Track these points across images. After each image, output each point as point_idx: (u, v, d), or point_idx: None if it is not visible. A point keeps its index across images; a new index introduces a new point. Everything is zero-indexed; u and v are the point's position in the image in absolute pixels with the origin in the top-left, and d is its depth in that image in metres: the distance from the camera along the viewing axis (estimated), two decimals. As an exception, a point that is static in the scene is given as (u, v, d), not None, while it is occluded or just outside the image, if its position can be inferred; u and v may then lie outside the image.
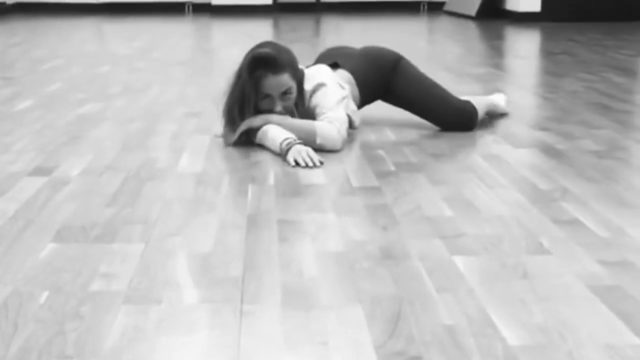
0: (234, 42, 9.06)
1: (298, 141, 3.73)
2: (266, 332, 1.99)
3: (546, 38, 9.40)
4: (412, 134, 4.22)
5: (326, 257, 2.49)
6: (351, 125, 4.15)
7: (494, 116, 4.66)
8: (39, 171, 3.52)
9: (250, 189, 3.26)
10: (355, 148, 3.93)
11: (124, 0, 13.65)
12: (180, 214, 2.94)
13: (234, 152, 3.85)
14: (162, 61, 7.38)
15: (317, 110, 3.95)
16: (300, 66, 4.09)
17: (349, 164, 3.63)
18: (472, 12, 12.38)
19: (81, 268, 2.42)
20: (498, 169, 3.54)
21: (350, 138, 4.12)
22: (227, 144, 3.97)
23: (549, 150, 3.86)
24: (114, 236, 2.70)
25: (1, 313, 2.11)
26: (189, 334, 1.98)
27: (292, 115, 3.99)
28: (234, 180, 3.38)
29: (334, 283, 2.30)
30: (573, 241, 2.63)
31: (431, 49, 8.31)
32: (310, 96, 3.99)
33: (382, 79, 4.33)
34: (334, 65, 4.29)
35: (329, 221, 2.85)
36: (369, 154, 3.81)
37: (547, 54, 7.87)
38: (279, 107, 3.90)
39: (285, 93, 3.89)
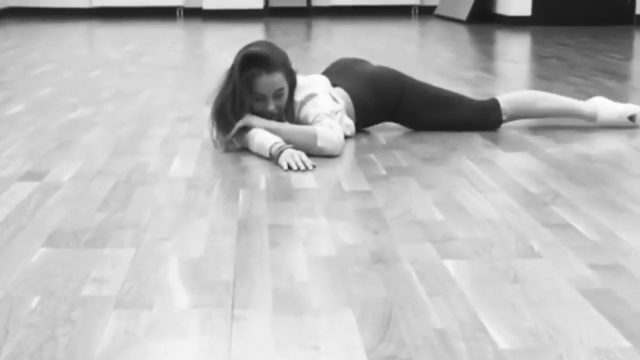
0: (226, 46, 9.07)
1: (288, 145, 3.72)
2: (257, 337, 1.99)
3: (536, 42, 9.42)
4: (403, 139, 4.23)
5: (317, 262, 2.50)
6: (345, 137, 4.13)
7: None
8: (30, 176, 3.51)
9: (242, 193, 3.26)
10: (347, 152, 3.93)
11: (115, 5, 13.64)
12: (171, 218, 2.94)
13: (225, 156, 3.85)
14: (153, 65, 7.38)
15: (310, 120, 3.92)
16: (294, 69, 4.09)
17: (340, 169, 3.63)
18: (463, 16, 12.40)
19: (72, 273, 2.42)
20: (489, 172, 3.54)
21: (341, 142, 4.12)
22: (222, 148, 3.93)
23: (539, 154, 3.86)
24: (105, 241, 2.69)
25: (-8, 318, 2.11)
26: (180, 339, 1.98)
27: (280, 119, 3.96)
28: (225, 185, 3.38)
29: (325, 287, 2.30)
30: (564, 245, 2.64)
31: (422, 53, 8.32)
32: (300, 108, 3.96)
33: (386, 110, 4.30)
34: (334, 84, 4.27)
35: (320, 225, 2.85)
36: (360, 159, 3.81)
37: (538, 57, 7.88)
38: (271, 106, 3.88)
39: (277, 94, 3.88)
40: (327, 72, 4.41)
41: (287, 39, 9.92)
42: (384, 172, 3.56)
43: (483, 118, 4.34)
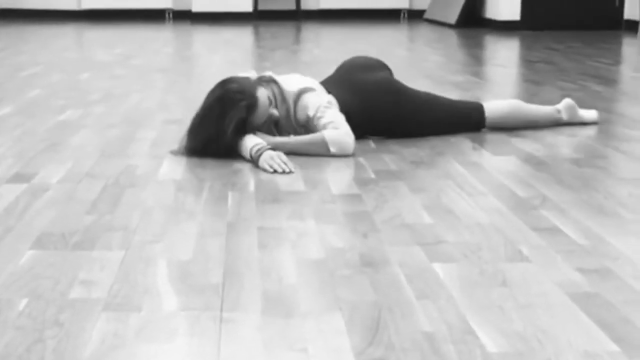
0: (215, 49, 9.06)
1: (268, 146, 3.72)
2: (246, 339, 1.99)
3: (525, 46, 9.44)
4: (392, 142, 4.23)
5: (306, 264, 2.50)
6: None
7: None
8: (18, 178, 3.51)
9: (231, 196, 3.26)
10: (335, 157, 3.93)
11: (104, 8, 13.62)
12: (160, 221, 2.93)
13: (213, 159, 3.85)
14: (142, 68, 7.37)
15: (310, 113, 3.92)
16: (270, 74, 4.09)
17: (329, 172, 3.63)
18: (452, 20, 12.41)
19: (61, 275, 2.41)
20: (477, 176, 3.55)
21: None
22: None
23: (528, 158, 3.87)
24: (93, 243, 2.69)
25: (-20, 320, 2.10)
26: (169, 342, 1.98)
27: (279, 120, 3.99)
28: (214, 188, 3.37)
29: (314, 290, 2.30)
30: (552, 249, 2.64)
31: (411, 57, 8.33)
32: (297, 99, 3.96)
33: (374, 127, 4.26)
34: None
35: (309, 228, 2.85)
36: (350, 162, 3.81)
37: (526, 62, 7.90)
38: (275, 111, 3.93)
39: (270, 104, 3.90)
40: (329, 78, 4.35)
41: (276, 42, 9.92)
42: (373, 176, 3.57)
43: (466, 116, 4.36)
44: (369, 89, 4.21)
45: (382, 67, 4.38)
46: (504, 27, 11.72)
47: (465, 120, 4.38)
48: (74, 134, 4.41)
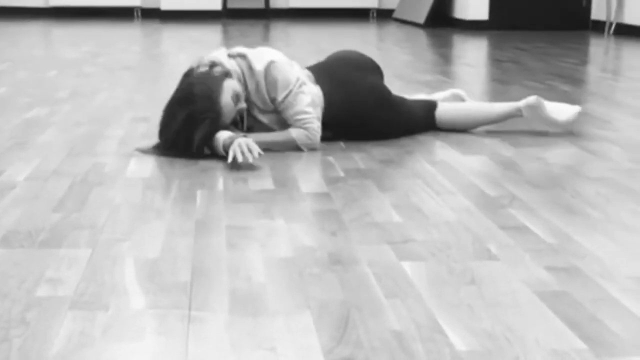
0: (183, 47, 9.03)
1: (239, 135, 3.72)
2: (214, 339, 1.98)
3: (493, 46, 9.47)
4: (361, 141, 4.23)
5: (275, 263, 2.49)
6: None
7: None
8: (-16, 176, 3.48)
9: (199, 194, 3.25)
10: (305, 154, 3.93)
11: (72, 5, 13.54)
12: (127, 219, 2.92)
13: (182, 157, 3.83)
14: (110, 66, 7.34)
15: (278, 97, 3.92)
16: (240, 49, 4.05)
17: (298, 170, 3.63)
18: (421, 20, 12.44)
19: (27, 273, 2.39)
20: (446, 175, 3.56)
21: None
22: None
23: (496, 157, 3.88)
24: (60, 241, 2.67)
25: (-55, 319, 2.08)
26: (136, 340, 1.97)
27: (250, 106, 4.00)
28: (182, 186, 3.36)
29: (282, 289, 2.29)
30: (520, 247, 2.65)
31: (380, 56, 8.34)
32: (266, 73, 3.94)
33: (350, 127, 4.21)
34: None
35: (278, 227, 2.84)
36: (319, 161, 3.81)
37: (494, 61, 7.93)
38: (243, 105, 3.92)
39: (236, 101, 3.88)
40: (319, 65, 4.30)
41: (245, 40, 9.90)
42: (342, 175, 3.57)
43: (422, 117, 4.34)
44: (358, 90, 4.15)
45: (375, 69, 4.30)
46: (472, 27, 11.77)
47: (420, 122, 4.36)
48: (41, 132, 4.38)
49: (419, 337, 1.99)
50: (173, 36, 10.47)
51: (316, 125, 3.97)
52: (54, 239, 2.69)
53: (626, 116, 4.98)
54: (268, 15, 13.88)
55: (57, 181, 3.41)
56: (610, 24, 11.13)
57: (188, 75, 3.92)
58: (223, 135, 3.75)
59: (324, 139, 4.17)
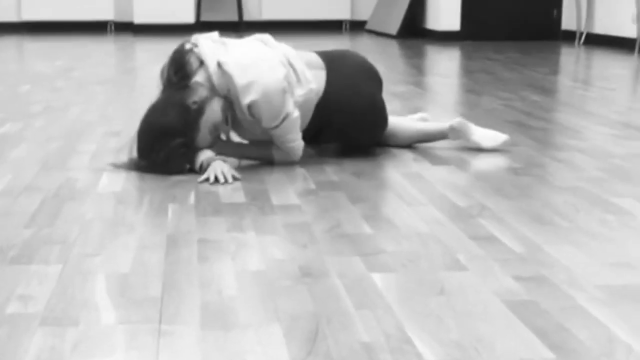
0: (157, 60, 9.03)
1: (217, 158, 3.73)
2: (185, 352, 1.99)
3: (465, 56, 9.52)
4: (333, 153, 4.25)
5: (246, 276, 2.50)
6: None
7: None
8: (-45, 192, 3.47)
9: (171, 208, 3.25)
10: (277, 167, 3.94)
11: (45, 19, 13.50)
12: (99, 234, 2.92)
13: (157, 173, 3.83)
14: (83, 80, 7.33)
15: (267, 125, 3.81)
16: (225, 57, 3.87)
17: (269, 183, 3.64)
18: (393, 31, 12.49)
19: (-2, 290, 2.39)
20: (417, 186, 3.58)
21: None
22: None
23: (467, 168, 3.91)
24: (31, 257, 2.67)
25: None
26: (107, 356, 1.97)
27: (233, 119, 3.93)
28: (154, 200, 3.36)
29: (253, 302, 2.30)
30: (490, 257, 2.67)
31: (353, 68, 8.34)
32: (250, 112, 3.81)
33: (335, 120, 4.12)
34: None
35: (249, 240, 2.85)
36: (290, 173, 3.82)
37: (467, 72, 7.97)
38: (220, 131, 3.88)
39: (214, 131, 3.85)
40: (327, 53, 4.22)
41: (218, 53, 9.89)
42: (313, 187, 3.58)
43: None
44: (360, 91, 4.11)
45: (377, 78, 4.25)
46: (445, 38, 11.82)
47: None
48: (13, 147, 4.37)
49: (388, 348, 2.01)
50: (147, 49, 10.46)
51: (300, 146, 3.95)
52: (24, 255, 2.69)
53: (596, 125, 5.02)
54: (241, 27, 13.89)
55: (29, 196, 3.41)
56: (581, 34, 11.22)
57: (179, 52, 3.94)
58: (203, 155, 3.76)
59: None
